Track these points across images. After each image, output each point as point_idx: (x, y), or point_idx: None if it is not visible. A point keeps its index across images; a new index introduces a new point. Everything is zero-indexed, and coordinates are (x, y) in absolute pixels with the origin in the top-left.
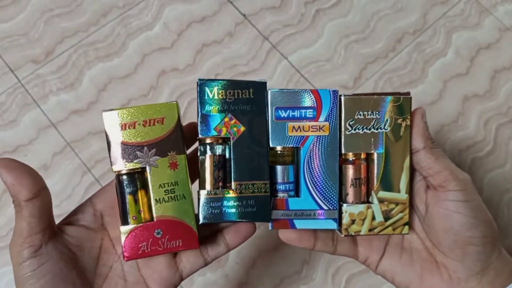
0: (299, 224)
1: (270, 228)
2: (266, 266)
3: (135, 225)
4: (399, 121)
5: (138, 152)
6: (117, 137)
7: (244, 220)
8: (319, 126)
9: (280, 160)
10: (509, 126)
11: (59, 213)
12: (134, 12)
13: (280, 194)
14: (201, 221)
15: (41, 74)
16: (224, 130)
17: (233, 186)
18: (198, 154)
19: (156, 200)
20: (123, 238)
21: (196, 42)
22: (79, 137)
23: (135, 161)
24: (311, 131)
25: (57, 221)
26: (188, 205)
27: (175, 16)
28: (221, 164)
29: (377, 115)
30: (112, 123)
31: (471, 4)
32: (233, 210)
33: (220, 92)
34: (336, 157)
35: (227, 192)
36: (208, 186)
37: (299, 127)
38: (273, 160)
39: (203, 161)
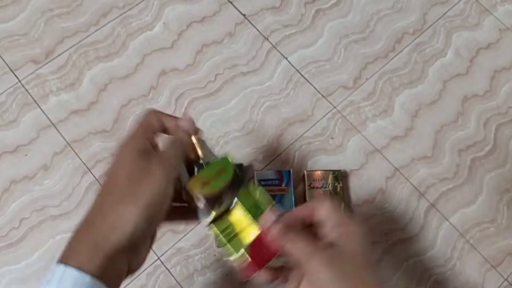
0: None
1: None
2: None
3: None
4: (336, 184)
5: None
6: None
7: None
8: (282, 188)
9: None
10: (508, 126)
11: (59, 213)
12: (134, 12)
13: None
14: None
15: (41, 74)
16: None
17: None
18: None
19: None
20: None
21: (196, 42)
22: (79, 137)
23: (222, 205)
24: (277, 191)
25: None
26: None
27: (175, 16)
28: None
29: (323, 181)
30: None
31: (471, 4)
32: None
33: None
34: (292, 205)
35: None
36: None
37: (271, 189)
38: None
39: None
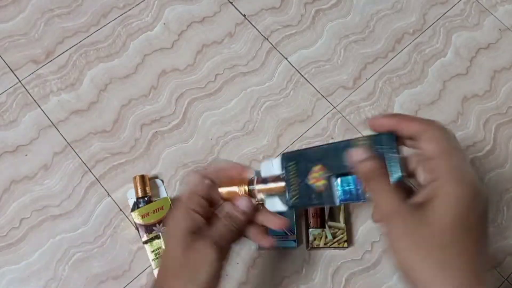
0: (275, 243)
1: (257, 249)
2: (266, 266)
3: None
4: None
5: (154, 227)
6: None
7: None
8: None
9: None
10: (508, 126)
11: (59, 213)
12: (134, 12)
13: None
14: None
15: (42, 74)
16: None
17: None
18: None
19: None
20: None
21: (196, 43)
22: (79, 137)
23: (153, 232)
24: None
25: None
26: None
27: (176, 16)
28: None
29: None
30: (136, 216)
31: (471, 4)
32: None
33: None
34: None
35: None
36: None
37: None
38: None
39: None
